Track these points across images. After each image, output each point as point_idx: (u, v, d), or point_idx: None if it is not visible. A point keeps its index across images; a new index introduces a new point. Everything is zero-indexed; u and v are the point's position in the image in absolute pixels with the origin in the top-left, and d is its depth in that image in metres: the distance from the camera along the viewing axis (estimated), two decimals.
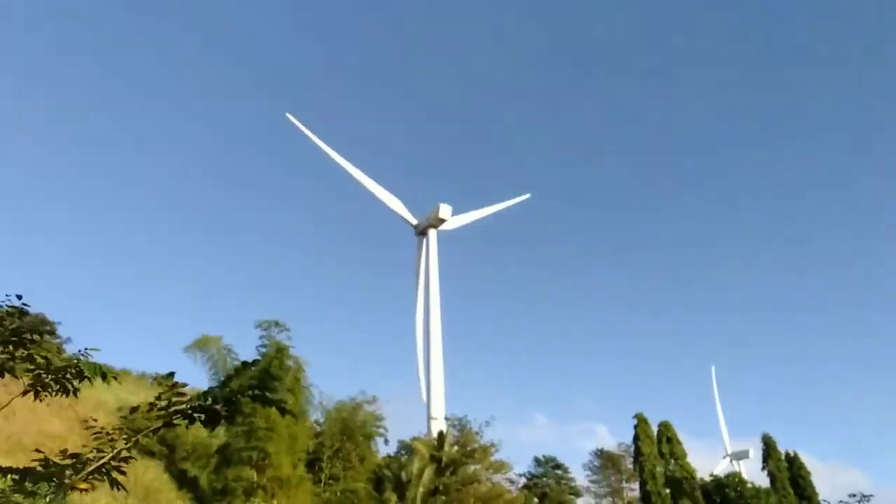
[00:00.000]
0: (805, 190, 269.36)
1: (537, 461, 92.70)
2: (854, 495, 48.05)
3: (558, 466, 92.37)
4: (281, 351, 48.17)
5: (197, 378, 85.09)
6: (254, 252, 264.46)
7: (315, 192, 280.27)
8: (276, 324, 48.55)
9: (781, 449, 57.18)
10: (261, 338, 48.44)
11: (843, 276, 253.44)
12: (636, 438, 46.70)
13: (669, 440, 46.50)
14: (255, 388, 8.51)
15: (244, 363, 9.32)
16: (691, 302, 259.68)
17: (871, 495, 47.07)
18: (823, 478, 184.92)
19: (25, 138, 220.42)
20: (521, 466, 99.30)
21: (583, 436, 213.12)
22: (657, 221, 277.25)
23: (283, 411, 8.78)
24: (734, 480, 48.91)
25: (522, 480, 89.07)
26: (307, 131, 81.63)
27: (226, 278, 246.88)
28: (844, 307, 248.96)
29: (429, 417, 67.01)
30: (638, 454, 45.56)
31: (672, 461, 45.63)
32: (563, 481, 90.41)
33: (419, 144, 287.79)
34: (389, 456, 60.67)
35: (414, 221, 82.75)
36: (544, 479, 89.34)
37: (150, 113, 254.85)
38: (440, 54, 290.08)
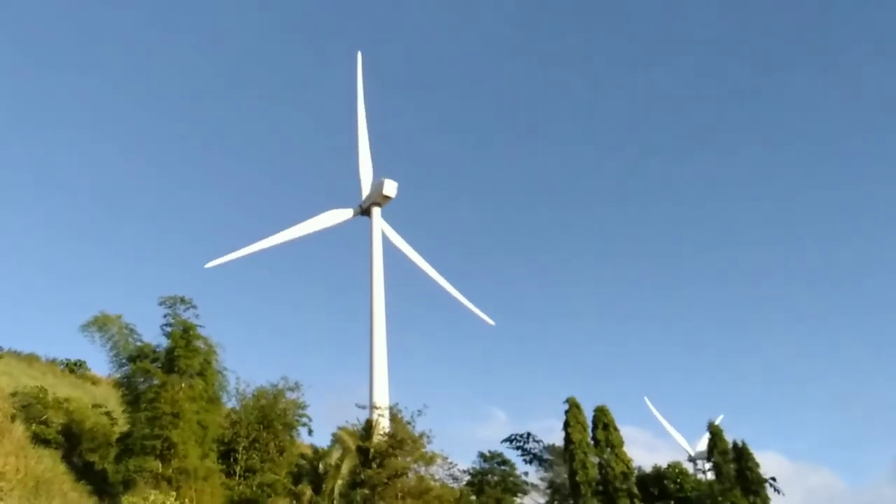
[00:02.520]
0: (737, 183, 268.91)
1: (483, 457, 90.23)
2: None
3: (505, 462, 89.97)
4: (188, 330, 45.30)
5: (98, 360, 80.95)
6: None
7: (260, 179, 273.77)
8: (182, 300, 45.59)
9: (729, 438, 55.71)
10: (165, 316, 45.54)
11: (816, 278, 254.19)
12: (566, 425, 44.11)
13: (606, 427, 44.03)
14: None
15: None
16: (665, 301, 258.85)
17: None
18: (794, 478, 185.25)
19: None
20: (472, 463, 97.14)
21: (544, 433, 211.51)
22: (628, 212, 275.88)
23: None
24: (674, 471, 47.29)
25: (468, 477, 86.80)
26: (228, 257, 73.21)
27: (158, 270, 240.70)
28: (821, 308, 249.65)
29: (371, 407, 64.36)
30: (568, 442, 43.09)
31: (607, 450, 43.23)
32: (511, 478, 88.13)
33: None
34: (319, 448, 58.13)
35: (350, 213, 79.32)
36: (489, 475, 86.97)
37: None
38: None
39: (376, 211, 77.23)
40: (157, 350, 45.27)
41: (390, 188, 76.40)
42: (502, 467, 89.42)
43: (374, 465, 48.16)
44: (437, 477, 58.06)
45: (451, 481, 68.62)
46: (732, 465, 52.14)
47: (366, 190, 79.17)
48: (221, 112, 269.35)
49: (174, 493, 36.57)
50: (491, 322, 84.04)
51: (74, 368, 71.41)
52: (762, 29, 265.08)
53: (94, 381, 70.17)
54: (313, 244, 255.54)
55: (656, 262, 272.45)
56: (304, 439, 59.99)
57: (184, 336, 45.08)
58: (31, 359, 68.32)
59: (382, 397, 65.81)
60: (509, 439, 19.68)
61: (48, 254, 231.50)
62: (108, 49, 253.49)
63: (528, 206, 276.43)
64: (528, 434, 19.22)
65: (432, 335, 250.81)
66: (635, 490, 43.64)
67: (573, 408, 43.00)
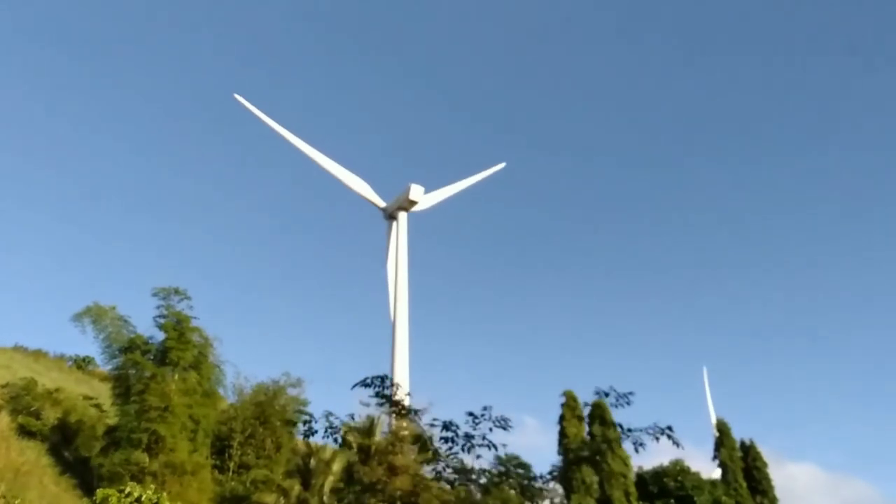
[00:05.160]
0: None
1: (499, 460, 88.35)
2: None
3: (522, 465, 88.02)
4: (181, 322, 43.55)
5: (94, 352, 79.33)
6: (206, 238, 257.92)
7: (269, 178, 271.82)
8: (176, 291, 43.72)
9: (736, 437, 53.18)
10: (158, 307, 43.75)
11: (849, 283, 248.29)
12: (562, 418, 41.71)
13: (602, 421, 41.57)
14: None
15: None
16: (693, 302, 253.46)
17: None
18: (829, 489, 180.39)
19: None
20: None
21: None
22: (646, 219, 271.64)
23: None
24: (675, 469, 44.93)
25: (483, 480, 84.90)
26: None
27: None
28: (853, 317, 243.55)
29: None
30: (562, 436, 40.83)
31: (604, 446, 40.88)
32: (527, 481, 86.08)
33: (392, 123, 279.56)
34: (314, 444, 56.29)
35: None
36: (504, 478, 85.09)
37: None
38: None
39: (402, 215, 76.25)
40: (150, 342, 43.69)
41: (416, 193, 75.55)
42: (519, 470, 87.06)
43: (373, 463, 46.13)
44: (451, 479, 55.79)
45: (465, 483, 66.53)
46: (740, 465, 50.06)
47: (374, 199, 78.27)
48: (223, 103, 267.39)
49: (153, 487, 34.56)
50: (500, 165, 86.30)
51: (83, 365, 70.22)
52: (789, 27, 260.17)
53: (102, 378, 68.72)
54: (335, 246, 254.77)
55: (694, 265, 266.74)
56: (312, 438, 58.15)
57: (176, 328, 43.42)
58: (38, 354, 67.16)
59: (402, 399, 64.16)
60: (364, 383, 17.47)
61: (61, 252, 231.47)
62: (108, 42, 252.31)
63: (545, 209, 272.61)
64: (385, 376, 17.06)
65: (461, 342, 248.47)
66: (632, 488, 41.24)
67: (570, 401, 40.66)
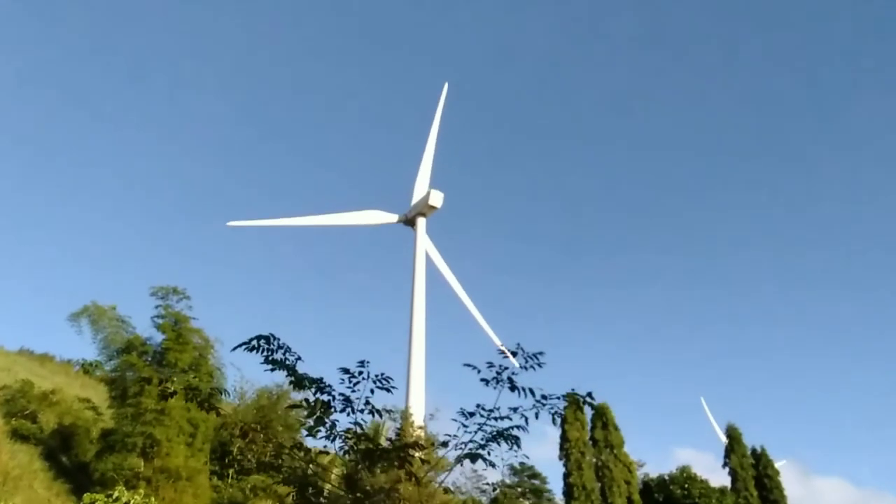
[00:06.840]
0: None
1: (513, 470, 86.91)
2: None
3: (535, 476, 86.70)
4: (179, 323, 42.34)
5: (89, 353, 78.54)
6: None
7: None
8: (175, 291, 42.56)
9: (748, 443, 51.33)
10: (156, 307, 42.57)
11: (873, 291, 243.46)
12: (564, 422, 40.08)
13: (605, 426, 40.04)
14: None
15: None
16: (713, 307, 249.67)
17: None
18: None
19: None
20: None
21: None
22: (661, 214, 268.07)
23: None
24: (681, 476, 43.54)
25: (496, 492, 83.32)
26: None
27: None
28: (881, 325, 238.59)
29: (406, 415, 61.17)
30: (564, 440, 39.36)
31: (606, 450, 39.27)
32: (544, 493, 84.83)
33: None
34: (313, 449, 54.91)
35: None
36: (518, 489, 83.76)
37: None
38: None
39: (421, 221, 74.61)
40: (147, 343, 42.54)
41: (436, 199, 73.71)
42: (533, 481, 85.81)
43: (377, 472, 44.74)
44: (463, 490, 54.57)
45: (478, 494, 65.63)
46: (751, 473, 48.30)
47: (387, 218, 76.74)
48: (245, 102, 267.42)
49: (142, 492, 33.33)
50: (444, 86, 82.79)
51: (89, 369, 69.19)
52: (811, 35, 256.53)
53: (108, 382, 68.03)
54: (342, 250, 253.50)
55: (732, 270, 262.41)
56: (315, 443, 56.88)
57: (175, 329, 42.18)
58: (44, 358, 66.20)
59: (418, 407, 62.85)
60: (248, 346, 14.88)
61: (68, 255, 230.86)
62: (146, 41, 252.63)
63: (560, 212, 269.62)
64: (270, 336, 14.64)
65: (472, 344, 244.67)
66: (636, 495, 39.58)
67: (572, 404, 38.91)
